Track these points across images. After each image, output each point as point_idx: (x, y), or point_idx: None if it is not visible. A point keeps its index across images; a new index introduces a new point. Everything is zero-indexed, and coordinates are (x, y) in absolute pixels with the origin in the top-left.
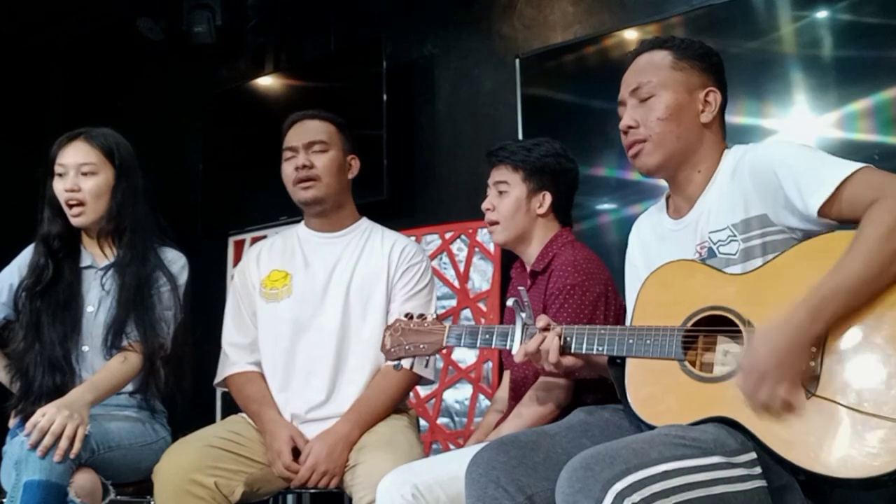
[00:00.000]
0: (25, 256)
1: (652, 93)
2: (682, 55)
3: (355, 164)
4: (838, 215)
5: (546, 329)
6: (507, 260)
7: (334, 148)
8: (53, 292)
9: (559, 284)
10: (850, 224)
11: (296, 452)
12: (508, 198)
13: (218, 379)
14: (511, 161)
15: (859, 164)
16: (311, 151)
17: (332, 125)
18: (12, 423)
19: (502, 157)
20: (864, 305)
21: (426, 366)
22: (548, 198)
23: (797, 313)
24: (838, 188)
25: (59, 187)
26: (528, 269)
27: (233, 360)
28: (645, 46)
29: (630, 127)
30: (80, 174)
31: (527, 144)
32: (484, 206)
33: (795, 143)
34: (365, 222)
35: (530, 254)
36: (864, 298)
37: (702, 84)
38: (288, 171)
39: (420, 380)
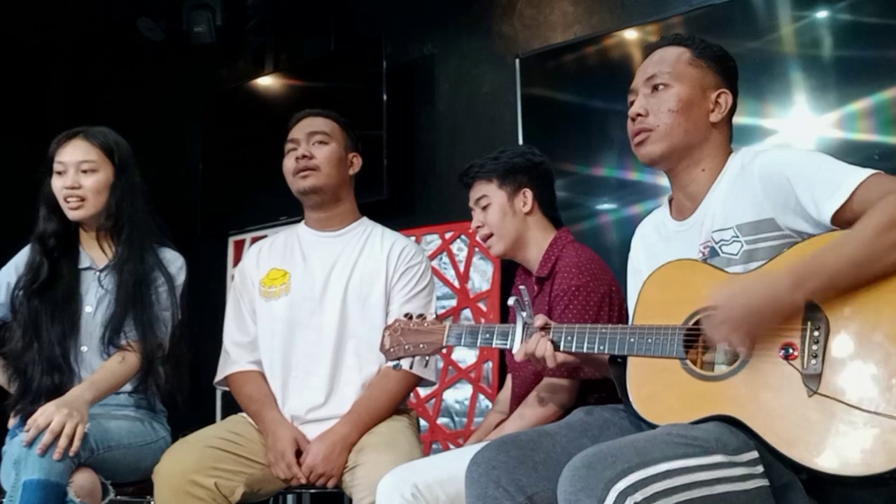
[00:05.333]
0: (22, 256)
1: (666, 83)
2: (700, 54)
3: (357, 162)
4: (851, 220)
5: (544, 328)
6: (507, 260)
7: (335, 142)
8: (51, 292)
9: (564, 286)
10: None
11: (298, 453)
12: (492, 208)
13: (218, 377)
14: (482, 175)
15: (871, 171)
16: (311, 143)
17: (335, 122)
18: (12, 423)
19: (473, 174)
20: (865, 303)
21: (426, 365)
22: (528, 194)
23: (781, 278)
24: (852, 194)
25: (59, 184)
26: (534, 275)
27: (234, 359)
28: (664, 42)
29: (639, 114)
30: (80, 171)
31: (492, 155)
32: (473, 226)
33: (805, 149)
34: (365, 222)
35: (531, 259)
36: (852, 282)
37: (715, 85)
38: (289, 163)
39: (421, 381)
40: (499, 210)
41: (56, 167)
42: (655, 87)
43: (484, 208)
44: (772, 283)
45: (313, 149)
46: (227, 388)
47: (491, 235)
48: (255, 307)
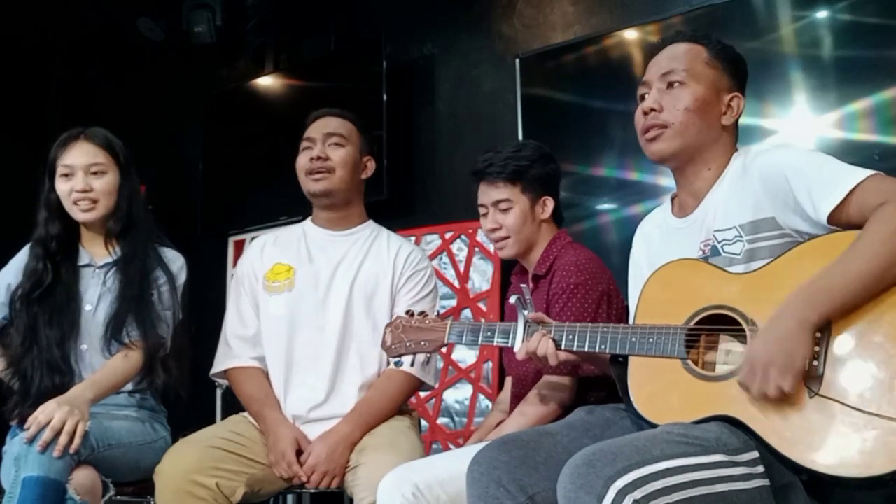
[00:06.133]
0: (22, 258)
1: (683, 80)
2: (717, 54)
3: (370, 166)
4: (847, 221)
5: (545, 326)
6: (507, 260)
7: (351, 145)
8: (51, 296)
9: (562, 284)
10: (858, 229)
11: (299, 453)
12: (514, 213)
13: (216, 369)
14: (506, 175)
15: (869, 171)
16: (327, 144)
17: (353, 124)
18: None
19: (495, 172)
20: (866, 305)
21: (427, 363)
22: (550, 203)
23: (791, 303)
24: (849, 194)
25: (66, 188)
26: (531, 272)
27: (235, 353)
28: (681, 37)
29: (653, 109)
30: (89, 174)
31: (511, 154)
32: (488, 226)
33: (805, 148)
34: (372, 224)
35: (532, 259)
36: (863, 296)
37: (729, 87)
38: (302, 161)
39: (422, 385)
40: (520, 216)
41: (62, 170)
42: (671, 84)
43: (503, 210)
44: (785, 314)
45: (329, 150)
46: (223, 381)
47: (506, 238)
48: (259, 301)
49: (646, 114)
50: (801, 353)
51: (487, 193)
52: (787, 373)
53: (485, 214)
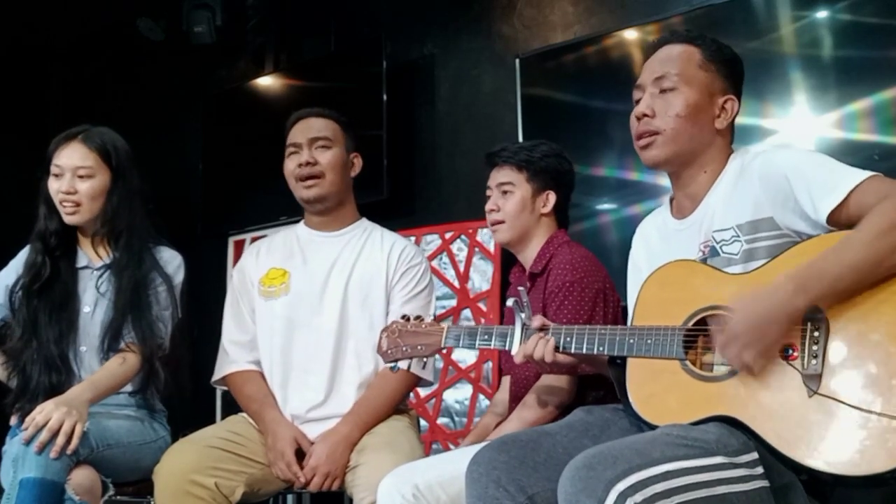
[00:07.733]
0: (22, 257)
1: (675, 86)
2: (711, 56)
3: (358, 163)
4: (847, 221)
5: (542, 329)
6: (507, 260)
7: (338, 145)
8: (50, 292)
9: (558, 282)
10: None
11: (299, 453)
12: (514, 197)
13: (216, 376)
14: (514, 161)
15: (869, 172)
16: (314, 148)
17: (336, 123)
18: (13, 421)
19: (505, 157)
20: (864, 303)
21: (424, 367)
22: (552, 197)
23: (782, 285)
24: (848, 195)
25: (55, 187)
26: (527, 271)
27: (232, 359)
28: (675, 38)
29: (645, 115)
30: (76, 176)
31: (526, 146)
32: (488, 207)
33: (804, 149)
34: (365, 222)
35: (528, 255)
36: (854, 287)
37: (723, 90)
38: (290, 167)
39: (420, 381)
40: (519, 202)
41: (53, 170)
42: (664, 89)
43: (504, 193)
44: (774, 293)
45: (317, 154)
46: (225, 388)
47: (501, 222)
48: (255, 306)
49: (639, 119)
50: (775, 337)
51: (494, 176)
52: (757, 353)
53: (489, 197)
